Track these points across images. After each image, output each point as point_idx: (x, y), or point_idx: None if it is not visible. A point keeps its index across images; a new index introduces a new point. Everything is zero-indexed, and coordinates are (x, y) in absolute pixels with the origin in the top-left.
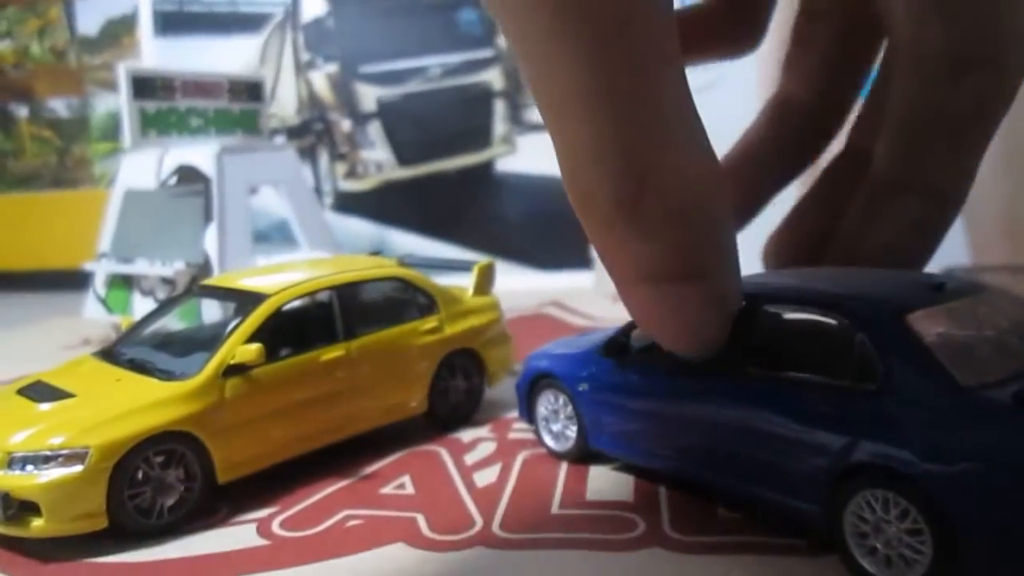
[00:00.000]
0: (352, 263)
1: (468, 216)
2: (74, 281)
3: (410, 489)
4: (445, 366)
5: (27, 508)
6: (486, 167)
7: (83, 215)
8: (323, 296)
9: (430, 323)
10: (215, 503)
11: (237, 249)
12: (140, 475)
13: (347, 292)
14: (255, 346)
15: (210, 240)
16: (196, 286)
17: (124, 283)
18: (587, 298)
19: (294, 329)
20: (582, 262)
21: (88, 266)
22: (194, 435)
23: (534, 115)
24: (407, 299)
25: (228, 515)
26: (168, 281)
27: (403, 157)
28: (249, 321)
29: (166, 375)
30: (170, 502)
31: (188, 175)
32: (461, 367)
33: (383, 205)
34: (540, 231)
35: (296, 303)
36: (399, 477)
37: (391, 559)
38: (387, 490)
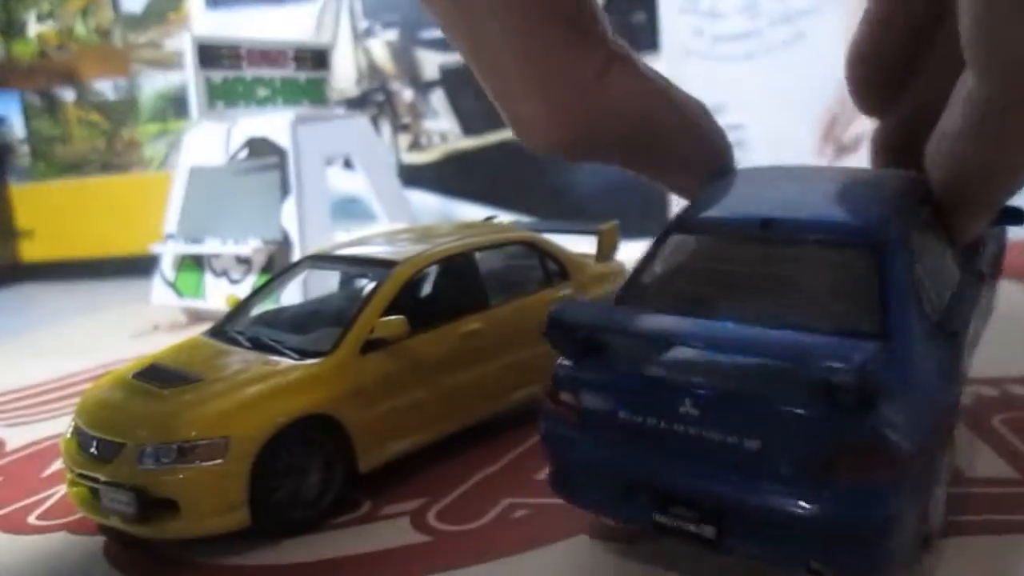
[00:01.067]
0: (474, 228)
1: (537, 186)
2: (134, 267)
3: None
4: None
5: (162, 506)
6: None
7: (139, 198)
8: (455, 263)
9: (563, 290)
10: (356, 495)
11: (316, 224)
12: (280, 465)
13: (478, 258)
14: (398, 318)
15: (288, 215)
16: (306, 258)
17: (194, 265)
18: None
19: (426, 300)
20: (660, 230)
21: (155, 248)
22: (335, 418)
23: None
24: (537, 266)
25: (373, 508)
26: (244, 260)
27: (468, 126)
28: (383, 291)
29: (298, 354)
30: (311, 495)
31: (259, 148)
32: None
33: (448, 177)
34: (613, 200)
35: (427, 272)
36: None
37: (574, 553)
38: (541, 476)
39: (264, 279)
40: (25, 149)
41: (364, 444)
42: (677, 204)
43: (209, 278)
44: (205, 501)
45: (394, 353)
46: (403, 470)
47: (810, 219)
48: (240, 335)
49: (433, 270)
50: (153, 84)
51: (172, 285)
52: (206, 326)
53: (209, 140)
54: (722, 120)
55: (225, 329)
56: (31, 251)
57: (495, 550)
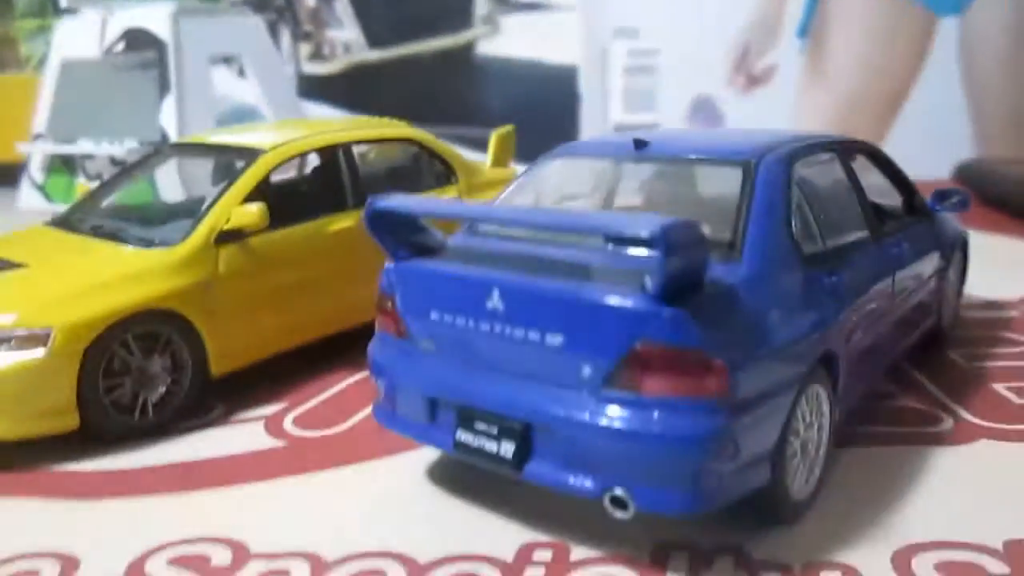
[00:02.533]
0: (357, 123)
1: (445, 103)
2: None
3: None
4: None
5: None
6: (466, 50)
7: (12, 102)
8: (329, 156)
9: (450, 193)
10: (210, 400)
11: (198, 125)
12: (117, 363)
13: (355, 153)
14: (256, 206)
15: (167, 115)
16: (167, 145)
17: (66, 167)
18: None
19: (295, 194)
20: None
21: (22, 148)
22: (183, 315)
23: None
24: (422, 167)
25: (227, 413)
26: (119, 162)
27: (374, 38)
28: (243, 180)
29: (144, 242)
30: (155, 397)
31: (138, 41)
32: None
33: (351, 90)
34: (524, 120)
35: (297, 163)
36: None
37: (429, 461)
38: None
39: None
40: None
41: (218, 345)
42: (588, 129)
43: (82, 182)
44: (24, 399)
45: (254, 247)
46: (264, 377)
47: (685, 143)
48: (81, 223)
49: (304, 162)
50: None
51: (41, 189)
52: None
53: (84, 31)
54: (636, 44)
55: (68, 218)
56: None
57: (349, 457)
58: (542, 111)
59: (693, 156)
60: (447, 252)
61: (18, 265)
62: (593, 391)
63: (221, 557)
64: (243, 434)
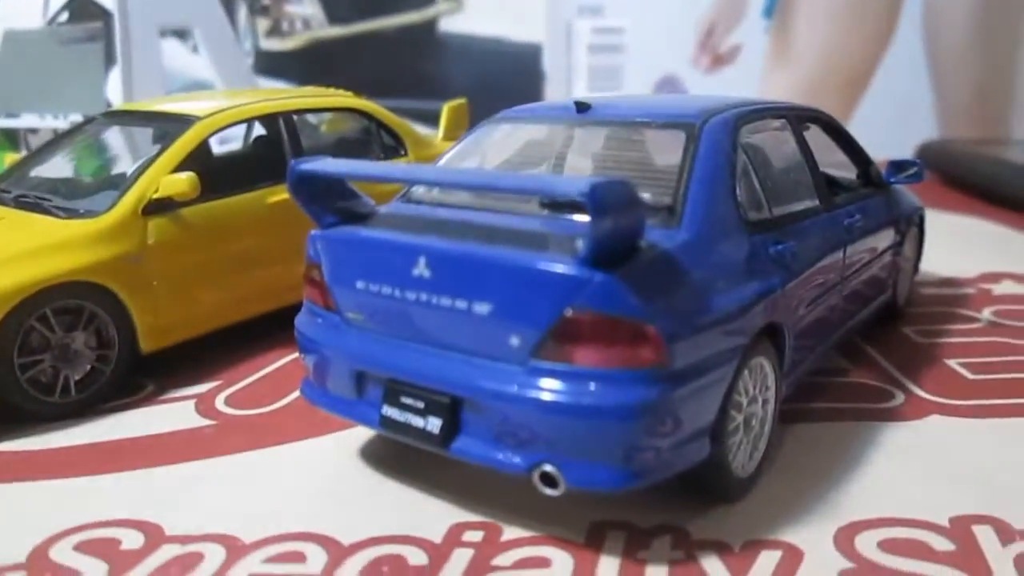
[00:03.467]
0: (302, 92)
1: (407, 81)
2: None
3: None
4: None
5: None
6: (429, 26)
7: None
8: (269, 125)
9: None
10: (139, 379)
11: (147, 97)
12: (35, 340)
13: (297, 123)
14: (186, 175)
15: (114, 88)
16: (101, 114)
17: (8, 142)
18: None
19: (230, 163)
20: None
21: None
22: (108, 288)
23: None
24: (369, 138)
25: (156, 392)
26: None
27: (334, 14)
28: (175, 148)
29: (68, 212)
30: (78, 376)
31: (83, 10)
32: None
33: (311, 67)
34: (487, 99)
35: (234, 132)
36: None
37: (363, 439)
38: None
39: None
40: None
41: (147, 321)
42: (551, 96)
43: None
44: None
45: (185, 218)
46: (201, 354)
47: (629, 107)
48: (4, 193)
49: (243, 131)
50: None
51: None
52: None
53: (26, 0)
54: (601, 22)
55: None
56: None
57: (278, 437)
58: (506, 89)
59: (636, 119)
60: (376, 219)
61: None
62: (521, 362)
63: (132, 540)
64: (172, 413)
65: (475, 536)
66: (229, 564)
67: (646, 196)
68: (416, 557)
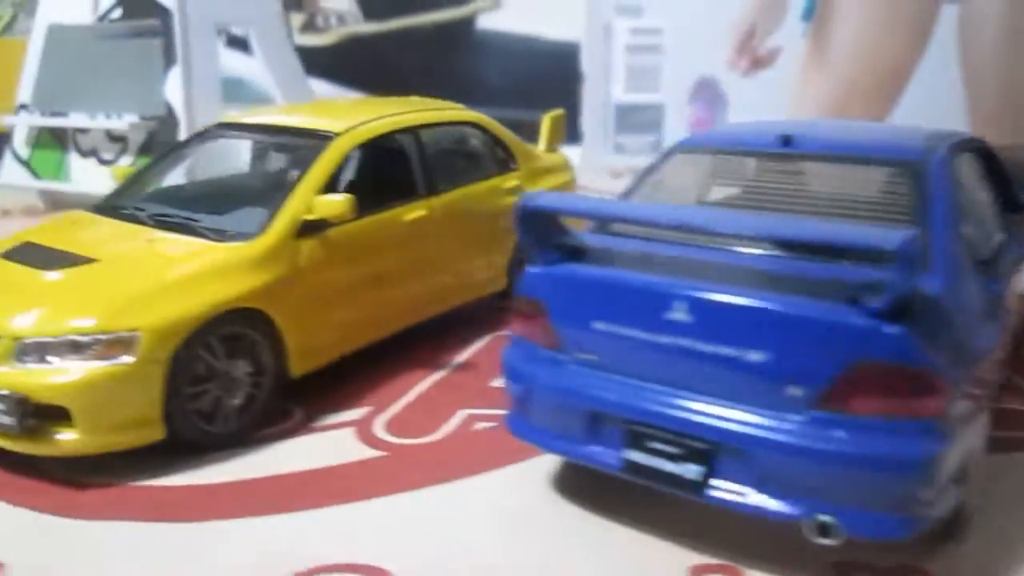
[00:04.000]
0: (420, 104)
1: (443, 79)
2: None
3: None
4: None
5: (52, 416)
6: (465, 24)
7: None
8: (399, 141)
9: (511, 181)
10: (284, 404)
11: (206, 101)
12: (202, 368)
13: (425, 137)
14: (343, 197)
15: (172, 88)
16: (217, 125)
17: (55, 142)
18: (582, 172)
19: (368, 181)
20: (569, 135)
21: (7, 120)
22: (265, 314)
23: None
24: (485, 152)
25: (306, 419)
26: (118, 138)
27: (370, 9)
28: (320, 166)
29: (219, 235)
30: (236, 403)
31: (137, 7)
32: None
33: (345, 64)
34: (524, 97)
35: (368, 148)
36: None
37: (548, 471)
38: (498, 383)
39: (145, 160)
40: None
41: (298, 344)
42: (590, 108)
43: (74, 158)
44: (108, 410)
45: (333, 239)
46: (335, 376)
47: (836, 139)
48: (138, 211)
49: (374, 147)
50: None
51: (26, 164)
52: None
53: None
54: (640, 23)
55: (116, 205)
56: None
57: (459, 468)
58: (542, 88)
59: (850, 155)
60: (600, 255)
61: (87, 260)
62: (799, 411)
63: None
64: (334, 442)
65: None
66: None
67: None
68: None
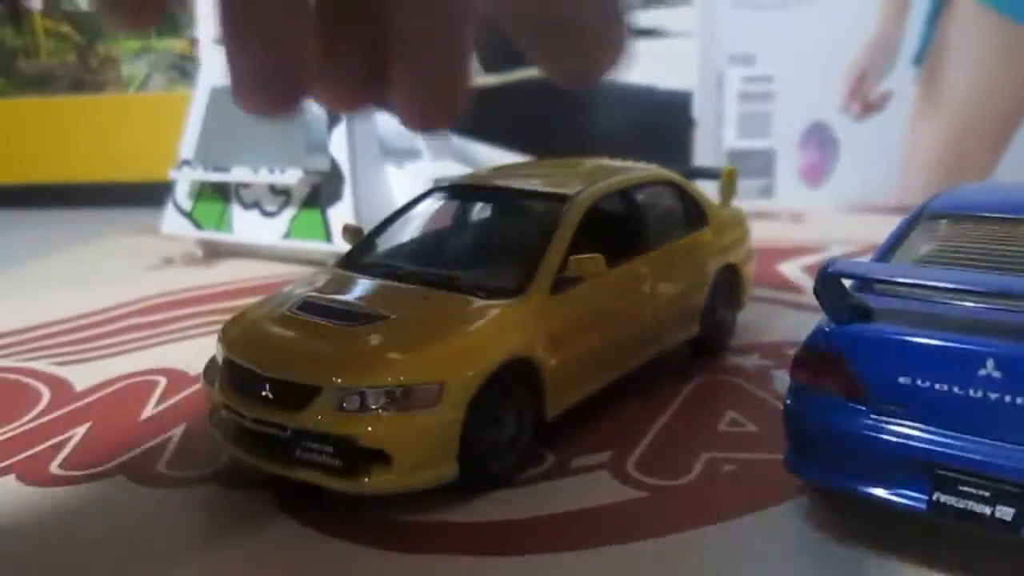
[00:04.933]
0: (604, 166)
1: (559, 128)
2: (106, 195)
3: (751, 427)
4: (714, 284)
5: (368, 458)
6: None
7: (114, 122)
8: (617, 201)
9: (706, 235)
10: (538, 450)
11: (368, 155)
12: (487, 414)
13: (637, 196)
14: (596, 256)
15: (337, 144)
16: (438, 186)
17: (216, 195)
18: None
19: (594, 240)
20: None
21: (173, 174)
22: (532, 363)
23: (635, 19)
24: (681, 208)
25: (559, 461)
26: (280, 191)
27: (489, 63)
28: (565, 227)
29: (486, 292)
30: (504, 446)
31: None
32: (724, 286)
33: (467, 115)
34: (637, 145)
35: (596, 208)
36: (723, 412)
37: (803, 515)
38: (723, 427)
39: (310, 212)
40: None
41: (553, 390)
42: (702, 154)
43: (237, 209)
44: (419, 452)
45: (579, 293)
46: (574, 421)
47: None
48: (394, 269)
49: (598, 208)
50: None
51: (189, 215)
52: (231, 261)
53: None
54: (752, 71)
55: (364, 262)
56: None
57: (716, 510)
58: (655, 135)
59: None
60: (890, 315)
61: (381, 316)
62: None
63: None
64: (591, 483)
65: None
66: None
67: None
68: None
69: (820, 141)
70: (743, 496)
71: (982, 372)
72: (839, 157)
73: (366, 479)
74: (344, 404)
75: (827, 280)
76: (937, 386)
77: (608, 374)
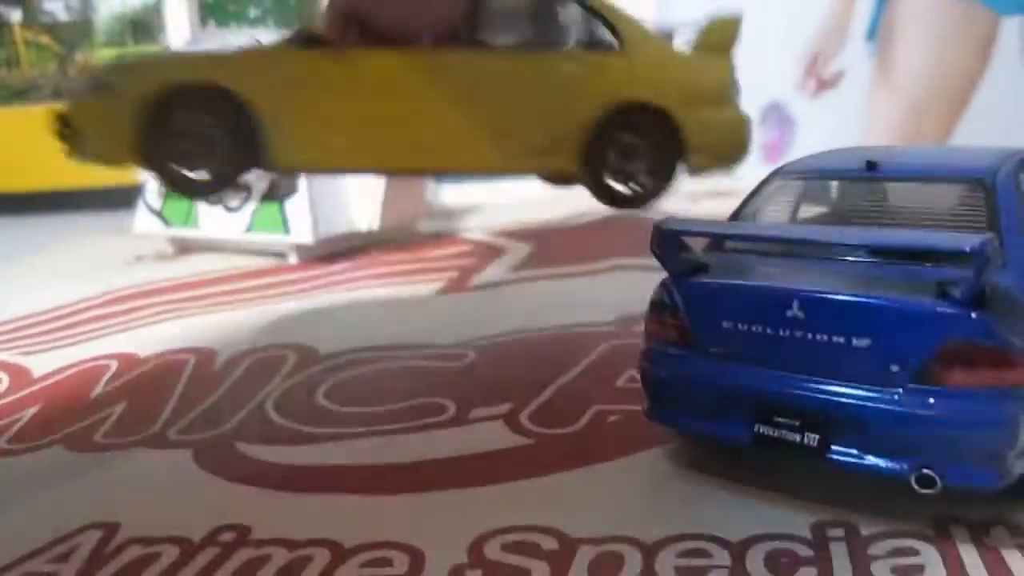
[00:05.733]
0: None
1: None
2: (81, 200)
3: None
4: (618, 124)
5: None
6: None
7: None
8: None
9: (604, 60)
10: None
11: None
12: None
13: None
14: None
15: None
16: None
17: None
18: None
19: None
20: None
21: (142, 176)
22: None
23: None
24: (577, 22)
25: (458, 412)
26: (242, 187)
27: None
28: None
29: None
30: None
31: None
32: (644, 130)
33: None
34: None
35: None
36: (624, 371)
37: (673, 458)
38: (620, 384)
39: (269, 206)
40: None
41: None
42: None
43: (203, 207)
44: None
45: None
46: (482, 377)
47: (917, 162)
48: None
49: None
50: (109, 5)
51: (158, 214)
52: (198, 256)
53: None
54: None
55: None
56: None
57: (589, 455)
58: None
59: (927, 175)
60: (723, 269)
61: None
62: (901, 385)
63: (549, 543)
64: (486, 432)
65: (838, 532)
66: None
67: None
68: (802, 551)
69: (778, 119)
70: (619, 443)
71: (788, 313)
72: (797, 133)
73: None
74: None
75: (662, 238)
76: (753, 328)
77: (369, 158)
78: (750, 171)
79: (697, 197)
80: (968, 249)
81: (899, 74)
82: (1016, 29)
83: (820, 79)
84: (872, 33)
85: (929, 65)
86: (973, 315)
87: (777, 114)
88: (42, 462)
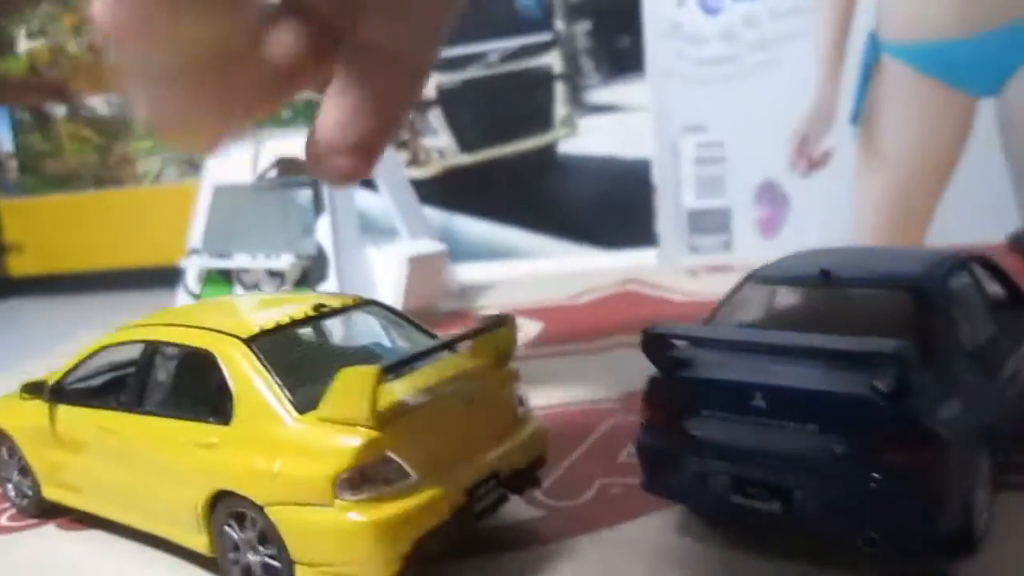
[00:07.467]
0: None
1: (532, 199)
2: (126, 280)
3: None
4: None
5: None
6: (548, 150)
7: (133, 213)
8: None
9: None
10: None
11: (348, 239)
12: None
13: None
14: None
15: (322, 231)
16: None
17: (222, 278)
18: (662, 273)
19: None
20: (645, 240)
21: (183, 263)
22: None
23: (594, 96)
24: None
25: None
26: (276, 274)
27: (465, 143)
28: None
29: None
30: None
31: (288, 167)
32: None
33: (447, 192)
34: (603, 211)
35: None
36: (625, 446)
37: (668, 524)
38: (622, 459)
39: (302, 291)
40: (13, 164)
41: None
42: (664, 215)
43: (239, 290)
44: None
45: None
46: None
47: (864, 269)
48: None
49: None
50: None
51: (198, 298)
52: None
53: (234, 159)
54: (704, 138)
55: None
56: (20, 266)
57: (594, 523)
58: (619, 200)
59: (870, 280)
60: (700, 365)
61: None
62: (845, 461)
63: None
64: (506, 506)
65: None
66: None
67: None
68: None
69: (772, 198)
70: (620, 512)
71: (753, 403)
72: (791, 210)
73: None
74: None
75: (650, 340)
76: (725, 416)
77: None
78: (745, 245)
79: (695, 272)
80: (889, 352)
81: (883, 155)
82: (992, 109)
83: (810, 159)
84: (855, 116)
85: (911, 145)
86: (902, 407)
87: (771, 192)
88: None
